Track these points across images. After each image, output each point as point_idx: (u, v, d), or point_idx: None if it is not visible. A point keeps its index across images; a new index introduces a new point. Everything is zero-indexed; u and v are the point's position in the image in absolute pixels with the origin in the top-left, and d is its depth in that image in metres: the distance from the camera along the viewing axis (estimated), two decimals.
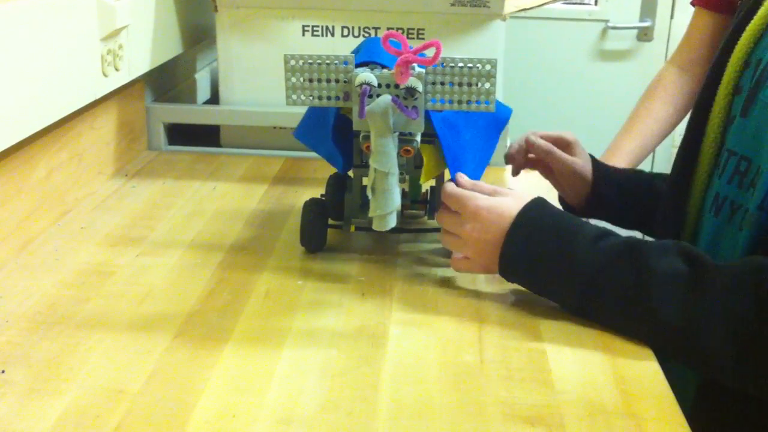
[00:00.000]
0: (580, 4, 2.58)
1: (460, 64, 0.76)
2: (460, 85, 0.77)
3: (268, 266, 0.88)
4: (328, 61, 0.78)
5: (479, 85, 0.77)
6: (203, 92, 1.59)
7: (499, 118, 0.93)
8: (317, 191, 0.99)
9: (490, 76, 0.76)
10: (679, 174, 0.92)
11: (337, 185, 0.96)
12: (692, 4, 1.48)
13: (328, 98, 0.79)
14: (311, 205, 0.91)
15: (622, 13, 2.51)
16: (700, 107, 0.90)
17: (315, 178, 1.15)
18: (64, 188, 1.01)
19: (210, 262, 0.89)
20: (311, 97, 0.79)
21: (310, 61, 0.78)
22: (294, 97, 0.79)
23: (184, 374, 0.68)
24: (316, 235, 0.90)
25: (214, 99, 1.50)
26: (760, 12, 0.85)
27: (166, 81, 1.40)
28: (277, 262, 0.89)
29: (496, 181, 1.14)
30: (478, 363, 0.71)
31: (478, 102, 0.77)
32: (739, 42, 0.86)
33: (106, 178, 1.13)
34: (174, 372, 0.68)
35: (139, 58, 1.20)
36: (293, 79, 0.79)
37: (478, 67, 0.76)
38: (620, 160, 1.41)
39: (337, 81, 0.78)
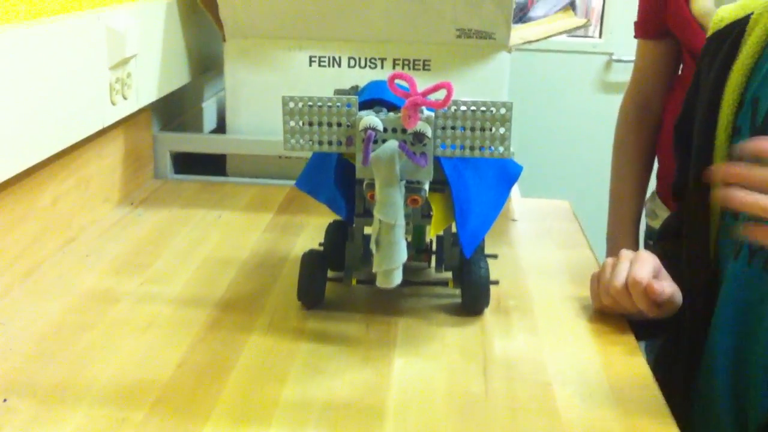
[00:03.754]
0: (584, 36, 2.56)
1: (473, 108, 0.71)
2: (473, 129, 0.72)
3: (258, 325, 0.83)
4: (329, 104, 0.73)
5: (493, 130, 0.72)
6: (210, 121, 1.60)
7: (510, 172, 0.88)
8: (322, 221, 0.94)
9: (505, 120, 0.71)
10: (695, 221, 0.90)
11: (337, 233, 0.90)
12: (636, 37, 1.51)
13: (330, 143, 0.74)
14: (309, 258, 0.85)
15: (626, 46, 2.48)
16: (701, 151, 0.88)
17: (320, 208, 1.10)
18: (70, 215, 1.02)
19: (199, 316, 0.84)
20: (311, 142, 0.74)
21: (310, 103, 0.73)
22: (293, 141, 0.74)
23: (187, 401, 0.69)
24: (314, 289, 0.85)
25: (220, 128, 1.51)
26: (746, 51, 0.85)
27: (173, 109, 1.41)
28: (271, 318, 0.84)
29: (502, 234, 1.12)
30: (484, 394, 0.71)
31: (491, 148, 0.72)
32: (729, 83, 0.85)
33: (112, 206, 1.14)
34: (177, 400, 0.69)
35: (147, 87, 1.20)
36: (292, 123, 0.74)
37: (492, 111, 0.71)
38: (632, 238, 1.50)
39: (339, 125, 0.73)
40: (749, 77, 0.85)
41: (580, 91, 2.49)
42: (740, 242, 0.83)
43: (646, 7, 1.47)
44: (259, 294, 0.89)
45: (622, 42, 2.47)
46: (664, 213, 1.44)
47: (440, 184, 0.77)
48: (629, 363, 0.78)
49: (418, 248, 0.90)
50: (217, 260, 0.98)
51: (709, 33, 0.94)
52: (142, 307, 0.85)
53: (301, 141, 0.74)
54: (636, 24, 1.51)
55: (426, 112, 0.72)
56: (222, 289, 0.90)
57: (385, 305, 0.87)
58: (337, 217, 0.91)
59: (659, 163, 1.52)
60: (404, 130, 0.71)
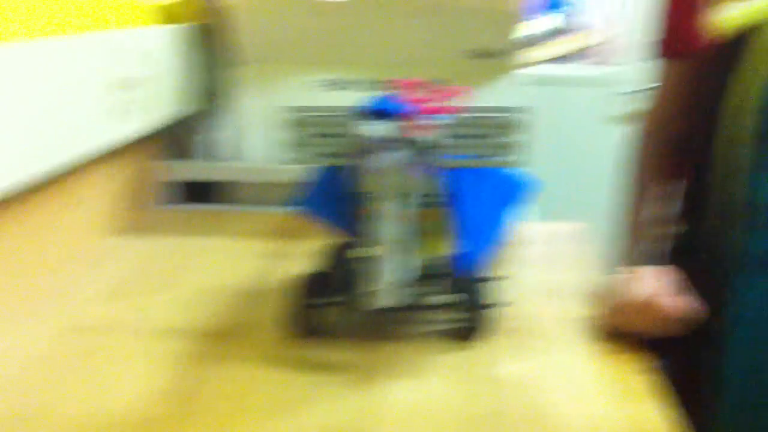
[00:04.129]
0: (594, 64, 2.54)
1: (482, 114, 0.68)
2: (484, 137, 0.69)
3: (245, 353, 0.79)
4: (333, 114, 0.70)
5: (504, 137, 0.69)
6: (218, 151, 1.54)
7: (519, 190, 0.84)
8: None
9: (516, 127, 0.68)
10: (716, 232, 0.86)
11: (335, 256, 0.86)
12: (662, 56, 1.44)
13: (333, 155, 0.71)
14: (303, 282, 0.81)
15: (634, 77, 2.46)
16: (725, 160, 0.85)
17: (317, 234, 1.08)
18: (69, 239, 0.99)
19: (188, 331, 0.82)
20: (313, 155, 0.71)
21: (312, 113, 0.70)
22: (295, 154, 0.71)
23: None
24: (307, 316, 0.81)
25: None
26: (750, 57, 0.83)
27: (177, 141, 1.37)
28: (259, 346, 0.80)
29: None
30: (488, 415, 0.68)
31: (502, 157, 0.69)
32: (752, 88, 0.82)
33: (109, 236, 1.10)
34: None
35: (153, 110, 1.17)
36: (293, 134, 0.71)
37: (504, 117, 0.68)
38: None
39: (342, 136, 0.70)
40: (754, 83, 0.82)
41: (589, 122, 2.46)
42: (761, 256, 0.80)
43: (670, 25, 1.43)
44: (247, 322, 0.84)
45: (632, 72, 2.45)
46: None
47: (443, 198, 0.74)
48: (642, 385, 0.74)
49: (423, 273, 0.86)
50: (208, 288, 0.94)
51: (715, 38, 0.93)
52: (122, 336, 0.82)
53: (303, 154, 0.71)
54: (661, 44, 1.45)
55: (434, 121, 0.69)
56: (208, 318, 0.86)
57: (381, 332, 0.83)
58: (331, 241, 0.87)
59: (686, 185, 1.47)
60: (410, 140, 0.68)
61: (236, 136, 1.29)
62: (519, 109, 0.68)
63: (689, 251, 0.94)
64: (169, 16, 1.31)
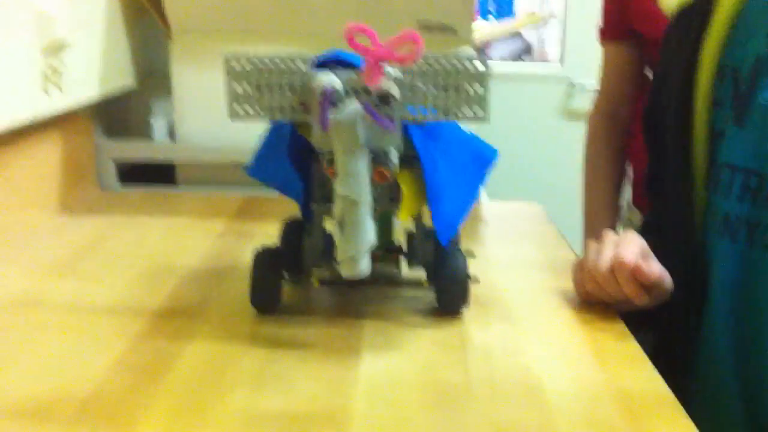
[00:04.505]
0: (544, 61, 2.51)
1: (444, 62, 0.62)
2: (446, 89, 0.62)
3: (203, 330, 0.71)
4: (281, 63, 0.62)
5: (468, 88, 0.62)
6: (159, 136, 1.44)
7: (485, 155, 0.78)
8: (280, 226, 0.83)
9: (483, 78, 0.62)
10: (678, 202, 0.86)
11: (294, 232, 0.79)
12: (600, 41, 1.47)
13: (281, 110, 0.64)
14: (263, 256, 0.74)
15: (587, 72, 2.43)
16: (678, 127, 0.85)
17: (277, 213, 0.99)
18: None
19: (144, 309, 0.74)
20: (260, 109, 0.63)
21: (257, 62, 0.62)
22: (238, 109, 0.64)
23: (111, 413, 0.57)
24: (268, 291, 0.73)
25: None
26: (718, 22, 0.82)
27: (117, 121, 1.31)
28: (218, 324, 0.72)
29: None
30: (464, 383, 0.63)
31: (467, 111, 0.62)
32: (703, 53, 0.82)
33: (48, 214, 1.04)
34: (101, 412, 0.58)
35: (85, 82, 1.10)
36: (237, 88, 0.63)
37: (467, 67, 0.61)
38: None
39: (291, 88, 0.63)
40: (725, 45, 0.81)
41: (541, 117, 2.42)
42: (733, 222, 0.78)
43: (610, 8, 1.42)
44: (206, 299, 0.77)
45: (583, 68, 2.42)
46: (640, 221, 1.36)
47: (409, 159, 0.67)
48: (620, 347, 0.71)
49: (385, 247, 0.79)
50: (162, 265, 0.87)
51: (676, 9, 0.91)
52: (70, 312, 0.74)
53: (249, 109, 0.64)
54: (600, 29, 1.45)
55: (391, 71, 0.62)
56: (164, 295, 0.78)
57: (350, 308, 0.76)
58: (294, 216, 0.80)
59: (633, 170, 1.45)
60: (367, 91, 0.61)
61: (174, 114, 1.21)
62: (480, 59, 0.62)
63: (655, 231, 0.91)
64: None
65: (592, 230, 1.45)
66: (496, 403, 0.60)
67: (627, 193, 1.48)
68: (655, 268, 0.75)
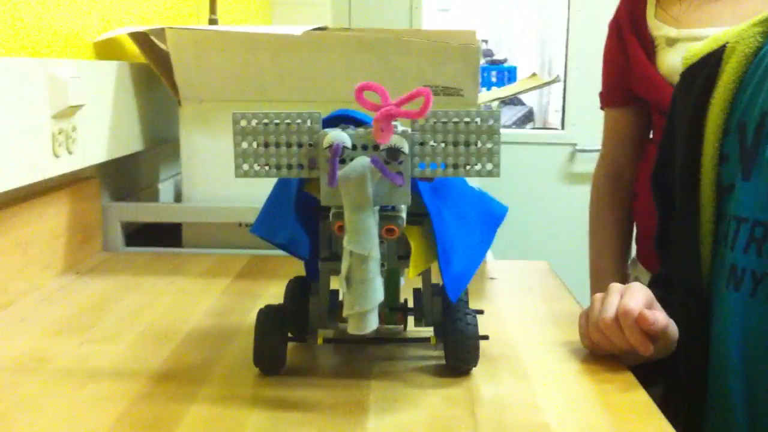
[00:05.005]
0: (545, 128, 2.52)
1: (455, 119, 0.61)
2: (456, 144, 0.61)
3: (205, 393, 0.69)
4: (288, 120, 0.62)
5: (479, 144, 0.61)
6: (166, 200, 1.50)
7: (495, 213, 0.77)
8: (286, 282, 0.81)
9: (493, 133, 0.61)
10: (684, 254, 0.86)
11: (299, 291, 0.77)
12: (602, 107, 1.48)
13: (289, 167, 0.62)
14: (267, 315, 0.72)
15: (589, 137, 2.44)
16: (686, 182, 0.86)
17: (282, 273, 0.99)
18: (5, 278, 0.91)
19: (146, 370, 0.71)
20: (267, 167, 0.62)
21: (265, 120, 0.62)
22: (245, 167, 0.63)
23: None
24: (273, 350, 0.71)
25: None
26: (725, 78, 0.84)
27: (125, 185, 1.32)
28: (221, 386, 0.70)
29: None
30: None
31: (478, 166, 0.61)
32: (711, 111, 0.84)
33: (54, 274, 1.03)
34: None
35: (95, 145, 1.11)
36: (244, 144, 0.62)
37: (477, 122, 0.61)
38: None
39: (300, 145, 0.62)
40: (732, 103, 0.83)
41: (545, 181, 2.42)
42: (740, 273, 0.79)
43: (611, 76, 1.44)
44: (209, 360, 0.75)
45: (584, 133, 2.43)
46: (646, 278, 1.35)
47: (418, 215, 0.66)
48: (630, 397, 0.69)
49: (390, 306, 0.78)
50: (165, 325, 0.85)
51: (682, 68, 0.92)
52: (71, 374, 0.72)
53: (256, 166, 0.63)
54: (601, 95, 1.47)
55: (401, 127, 0.61)
56: (166, 355, 0.76)
57: (355, 368, 0.74)
58: (299, 274, 0.79)
59: (637, 228, 1.45)
60: (376, 147, 0.60)
61: (181, 177, 1.21)
62: (491, 114, 0.61)
63: (663, 284, 0.91)
64: (112, 53, 1.24)
65: (599, 290, 1.44)
66: None
67: (632, 250, 1.47)
68: (659, 318, 0.74)
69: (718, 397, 0.81)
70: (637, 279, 1.41)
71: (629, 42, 1.35)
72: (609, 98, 1.45)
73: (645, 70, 1.32)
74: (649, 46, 1.32)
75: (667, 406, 0.71)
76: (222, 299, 0.95)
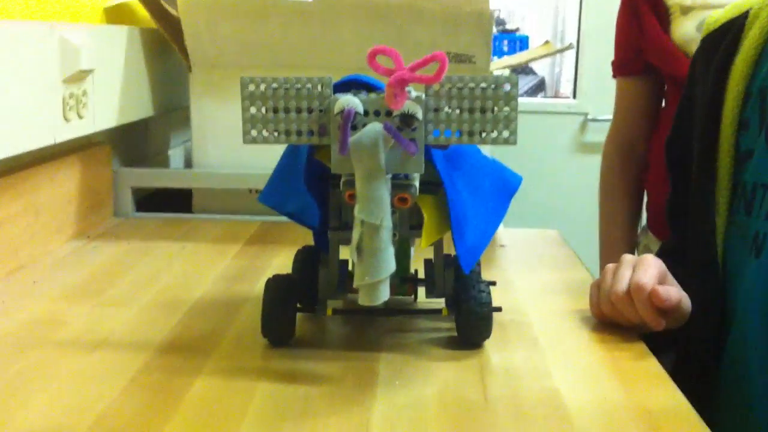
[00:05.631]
0: (556, 98, 2.48)
1: (471, 84, 0.58)
2: (471, 111, 0.58)
3: (211, 364, 0.66)
4: (298, 85, 0.59)
5: (496, 110, 0.58)
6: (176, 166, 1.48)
7: (509, 182, 0.74)
8: (296, 249, 0.78)
9: (510, 99, 0.58)
10: (699, 222, 0.84)
11: (308, 261, 0.75)
12: (614, 76, 1.45)
13: (299, 133, 0.59)
14: (275, 286, 0.69)
15: (601, 106, 2.39)
16: (704, 149, 0.84)
17: (293, 239, 0.96)
18: (18, 242, 0.90)
19: (154, 339, 0.69)
20: (276, 133, 0.60)
21: (274, 85, 0.59)
22: (254, 132, 0.60)
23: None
24: (281, 321, 0.69)
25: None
26: (748, 44, 0.82)
27: (136, 151, 1.30)
28: (228, 356, 0.68)
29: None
30: (483, 401, 0.60)
31: (495, 133, 0.58)
32: (732, 76, 0.82)
33: (65, 238, 1.02)
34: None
35: (105, 110, 1.09)
36: (253, 110, 0.59)
37: (494, 88, 0.57)
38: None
39: (310, 110, 0.59)
40: (754, 69, 0.81)
41: (556, 151, 2.39)
42: (761, 239, 0.76)
43: (624, 44, 1.40)
44: (217, 329, 0.73)
45: (596, 102, 2.39)
46: (657, 246, 1.33)
47: (431, 184, 0.63)
48: (641, 366, 0.68)
49: (401, 277, 0.75)
50: (175, 292, 0.84)
51: (703, 34, 0.90)
52: (78, 344, 0.70)
53: (264, 132, 0.60)
54: (614, 63, 1.43)
55: (414, 93, 0.58)
56: (174, 324, 0.74)
57: (365, 340, 0.72)
58: (308, 244, 0.76)
59: (649, 198, 1.43)
60: (389, 113, 0.57)
61: (191, 144, 1.18)
62: (508, 79, 0.58)
63: (673, 253, 0.89)
64: (123, 18, 1.21)
65: (609, 261, 1.42)
66: (518, 423, 0.57)
67: (642, 219, 1.45)
68: (673, 293, 0.72)
69: (734, 368, 0.79)
70: (647, 247, 1.40)
71: (643, 10, 1.31)
72: (621, 67, 1.42)
73: (659, 38, 1.28)
74: (663, 14, 1.29)
75: (677, 374, 0.69)
76: (232, 265, 0.94)
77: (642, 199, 1.45)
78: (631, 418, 0.58)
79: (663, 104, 1.40)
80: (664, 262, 0.77)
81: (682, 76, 1.24)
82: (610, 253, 1.44)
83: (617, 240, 1.44)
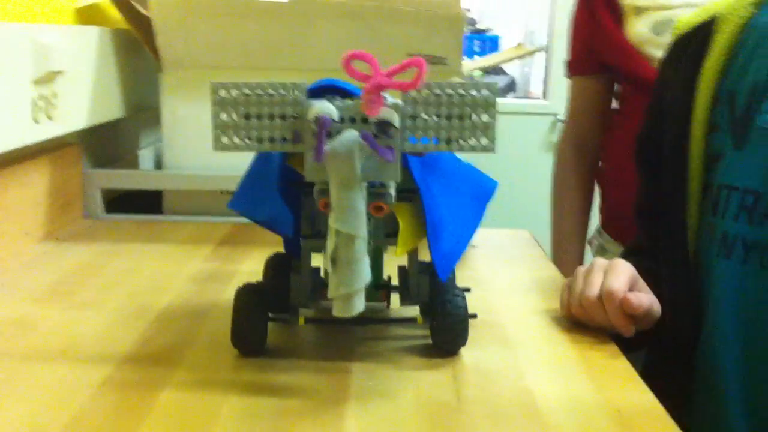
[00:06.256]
0: (527, 98, 2.46)
1: (449, 90, 0.55)
2: (449, 118, 0.56)
3: (177, 376, 0.63)
4: (271, 90, 0.56)
5: (474, 117, 0.55)
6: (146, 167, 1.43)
7: (485, 187, 0.72)
8: (268, 253, 0.75)
9: (489, 106, 0.56)
10: (672, 223, 0.84)
11: (279, 267, 0.72)
12: (569, 75, 1.44)
13: (272, 140, 0.57)
14: (246, 294, 0.66)
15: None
16: (675, 152, 0.84)
17: (265, 242, 0.93)
18: None
19: (118, 351, 0.65)
20: (247, 139, 0.57)
21: (246, 90, 0.56)
22: (224, 139, 0.57)
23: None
24: (252, 331, 0.66)
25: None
26: (717, 48, 0.82)
27: (106, 152, 1.26)
28: (195, 366, 0.65)
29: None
30: (456, 403, 0.59)
31: (473, 141, 0.56)
32: (701, 80, 0.82)
33: (34, 241, 0.99)
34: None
35: (75, 111, 1.06)
36: (223, 116, 0.56)
37: (473, 94, 0.55)
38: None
39: (283, 117, 0.56)
40: (722, 74, 0.82)
41: (527, 151, 2.37)
42: (731, 241, 0.77)
43: (579, 44, 1.40)
44: (186, 338, 0.70)
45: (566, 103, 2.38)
46: (613, 247, 1.34)
47: (407, 191, 0.61)
48: (612, 365, 0.68)
49: (374, 283, 0.72)
50: (145, 295, 0.81)
51: (673, 38, 0.90)
52: (63, 331, 0.69)
53: (236, 139, 0.57)
54: (569, 63, 1.43)
55: (391, 99, 0.56)
56: (141, 331, 0.71)
57: (338, 349, 0.69)
58: (279, 249, 0.73)
59: (603, 198, 1.42)
60: (365, 119, 0.55)
61: (162, 144, 1.15)
62: (487, 86, 0.56)
63: (639, 254, 0.90)
64: (94, 18, 1.18)
65: (561, 256, 1.43)
66: (492, 423, 0.57)
67: (596, 220, 1.45)
68: (644, 300, 0.72)
69: (708, 366, 0.79)
70: (601, 247, 1.39)
71: (598, 8, 1.30)
72: (576, 66, 1.42)
73: (614, 37, 1.28)
74: (618, 13, 1.28)
75: (649, 373, 0.69)
76: (204, 267, 0.92)
77: (592, 195, 1.46)
78: (603, 416, 0.58)
79: (618, 105, 1.40)
80: (631, 260, 0.77)
81: (637, 75, 1.24)
82: (561, 245, 1.45)
83: (569, 233, 1.44)
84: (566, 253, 1.43)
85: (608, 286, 0.71)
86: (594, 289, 0.72)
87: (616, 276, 0.72)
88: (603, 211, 1.43)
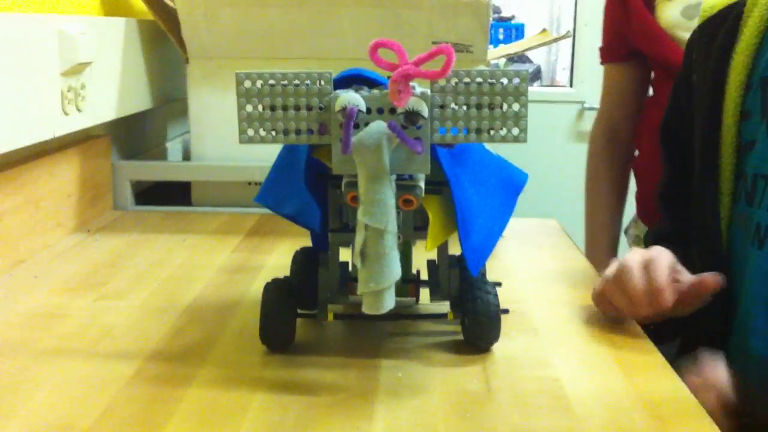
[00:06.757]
0: (553, 86, 2.43)
1: (479, 79, 0.53)
2: (479, 107, 0.53)
3: (205, 372, 0.62)
4: (296, 81, 0.54)
5: (505, 107, 0.53)
6: (174, 159, 1.43)
7: (515, 180, 0.69)
8: (296, 244, 0.74)
9: (520, 94, 0.53)
10: (705, 212, 0.81)
11: (307, 262, 0.70)
12: (603, 62, 1.41)
13: (298, 132, 0.55)
14: (274, 290, 0.64)
15: (597, 95, 2.34)
16: (707, 141, 0.81)
17: (293, 232, 0.91)
18: (18, 236, 0.87)
19: (145, 348, 0.64)
20: (273, 132, 0.55)
21: (272, 81, 0.54)
22: (250, 132, 0.55)
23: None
24: (280, 327, 0.64)
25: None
26: (748, 32, 0.79)
27: (134, 144, 1.26)
28: (224, 362, 0.63)
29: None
30: (485, 391, 0.58)
31: (503, 131, 0.53)
32: (733, 66, 0.79)
33: (65, 232, 0.98)
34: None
35: (104, 103, 1.05)
36: (249, 108, 0.54)
37: (503, 83, 0.53)
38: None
39: (309, 108, 0.54)
40: (754, 59, 0.78)
41: (553, 140, 2.34)
42: (765, 230, 0.74)
43: (611, 30, 1.37)
44: (213, 333, 0.68)
45: (593, 91, 2.34)
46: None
47: (437, 184, 0.58)
48: (642, 355, 0.66)
49: (403, 278, 0.70)
50: (175, 286, 0.80)
51: (700, 20, 0.87)
52: (95, 321, 0.68)
53: (262, 131, 0.55)
54: (602, 49, 1.39)
55: (419, 89, 0.53)
56: (170, 325, 0.70)
57: (367, 345, 0.67)
58: (306, 239, 0.71)
59: (638, 187, 1.39)
60: (393, 110, 0.53)
61: (189, 136, 1.14)
62: (518, 74, 0.53)
63: (667, 239, 0.86)
64: (120, 9, 1.16)
65: (595, 245, 1.41)
66: (520, 413, 0.55)
67: (625, 208, 1.42)
68: (675, 290, 0.71)
69: (740, 356, 0.76)
70: (638, 237, 1.36)
71: None
72: (609, 53, 1.38)
73: (645, 23, 1.24)
74: None
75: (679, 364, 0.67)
76: (232, 258, 0.91)
77: (627, 184, 1.42)
78: (633, 407, 0.56)
79: (651, 91, 1.36)
80: (664, 245, 0.75)
81: (669, 60, 1.21)
82: (594, 237, 1.41)
83: (600, 225, 1.41)
84: (599, 245, 1.40)
85: (657, 285, 0.70)
86: (641, 282, 0.70)
87: (660, 270, 0.71)
88: (638, 199, 1.40)
